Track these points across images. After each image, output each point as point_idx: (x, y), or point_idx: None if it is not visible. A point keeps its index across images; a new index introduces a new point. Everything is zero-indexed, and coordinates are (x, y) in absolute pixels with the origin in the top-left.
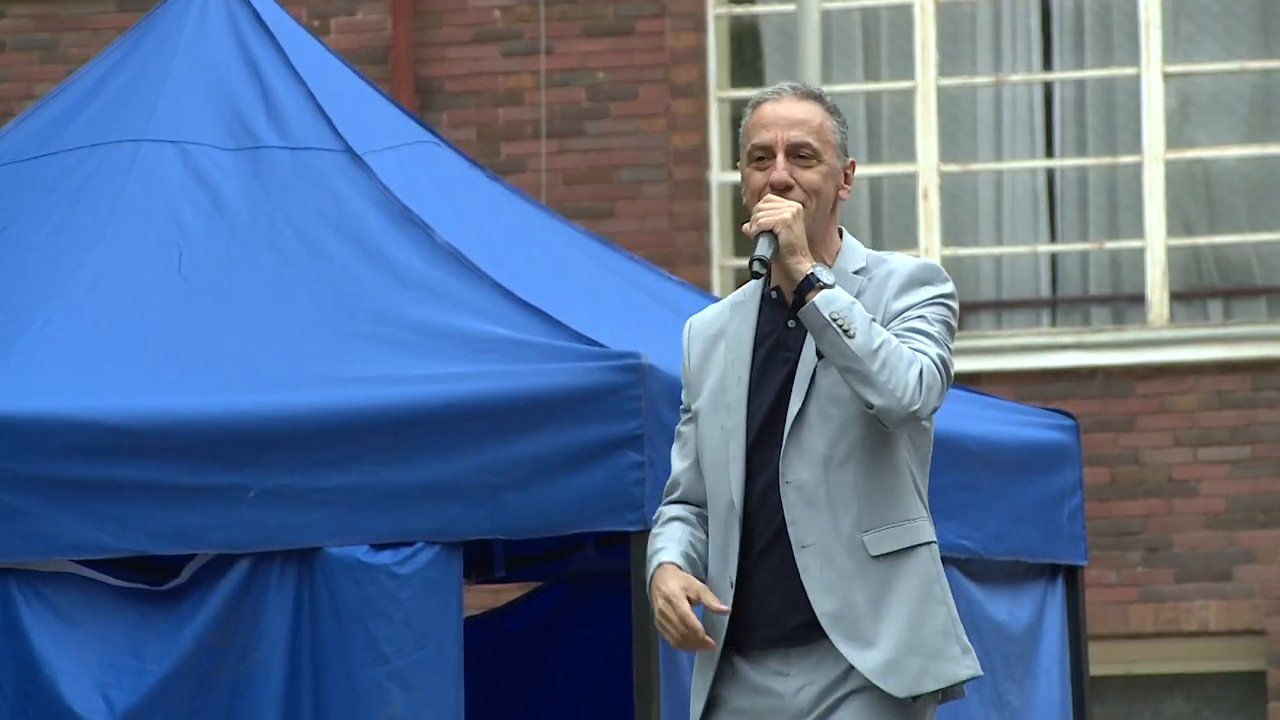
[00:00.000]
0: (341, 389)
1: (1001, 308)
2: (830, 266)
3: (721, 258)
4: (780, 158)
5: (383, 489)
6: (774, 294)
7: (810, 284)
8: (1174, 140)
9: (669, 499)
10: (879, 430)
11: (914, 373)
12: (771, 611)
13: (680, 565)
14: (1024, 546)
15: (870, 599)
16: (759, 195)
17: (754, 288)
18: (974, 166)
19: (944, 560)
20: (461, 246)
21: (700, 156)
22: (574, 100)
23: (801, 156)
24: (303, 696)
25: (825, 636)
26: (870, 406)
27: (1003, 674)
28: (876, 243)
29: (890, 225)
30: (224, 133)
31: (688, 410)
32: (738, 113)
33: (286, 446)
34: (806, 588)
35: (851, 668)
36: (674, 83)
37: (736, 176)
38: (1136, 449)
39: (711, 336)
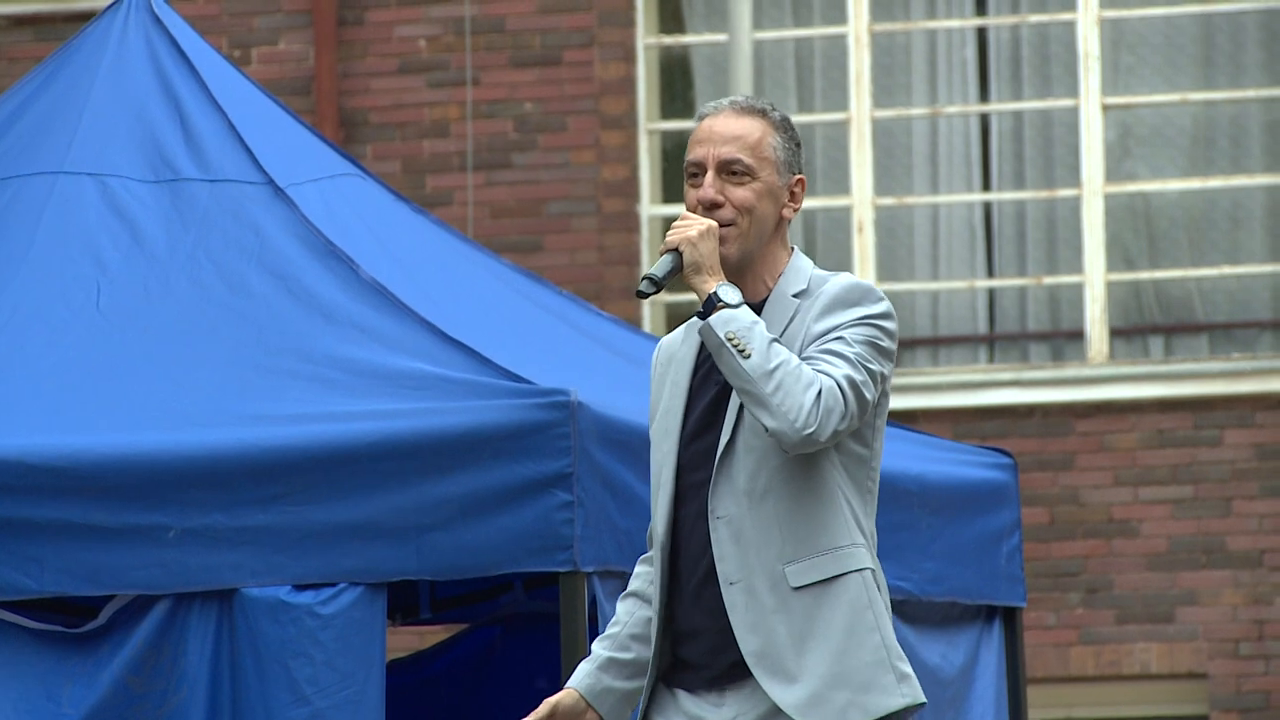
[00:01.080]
0: (264, 427)
1: (938, 344)
2: (770, 288)
3: None
4: (710, 174)
5: (305, 529)
6: None
7: (711, 303)
8: (1114, 173)
9: (648, 537)
10: (800, 458)
11: (810, 395)
12: (706, 652)
13: (582, 693)
14: (961, 588)
15: (793, 633)
16: (691, 210)
17: None
18: (909, 200)
19: None
20: (387, 281)
21: (630, 189)
22: (501, 132)
23: (734, 173)
24: None
25: None
26: (766, 430)
27: (933, 719)
28: None
29: (824, 259)
30: (143, 165)
31: None
32: (669, 144)
33: (207, 485)
34: (733, 626)
35: None
36: (603, 114)
37: (668, 209)
38: (1076, 488)
39: (668, 359)
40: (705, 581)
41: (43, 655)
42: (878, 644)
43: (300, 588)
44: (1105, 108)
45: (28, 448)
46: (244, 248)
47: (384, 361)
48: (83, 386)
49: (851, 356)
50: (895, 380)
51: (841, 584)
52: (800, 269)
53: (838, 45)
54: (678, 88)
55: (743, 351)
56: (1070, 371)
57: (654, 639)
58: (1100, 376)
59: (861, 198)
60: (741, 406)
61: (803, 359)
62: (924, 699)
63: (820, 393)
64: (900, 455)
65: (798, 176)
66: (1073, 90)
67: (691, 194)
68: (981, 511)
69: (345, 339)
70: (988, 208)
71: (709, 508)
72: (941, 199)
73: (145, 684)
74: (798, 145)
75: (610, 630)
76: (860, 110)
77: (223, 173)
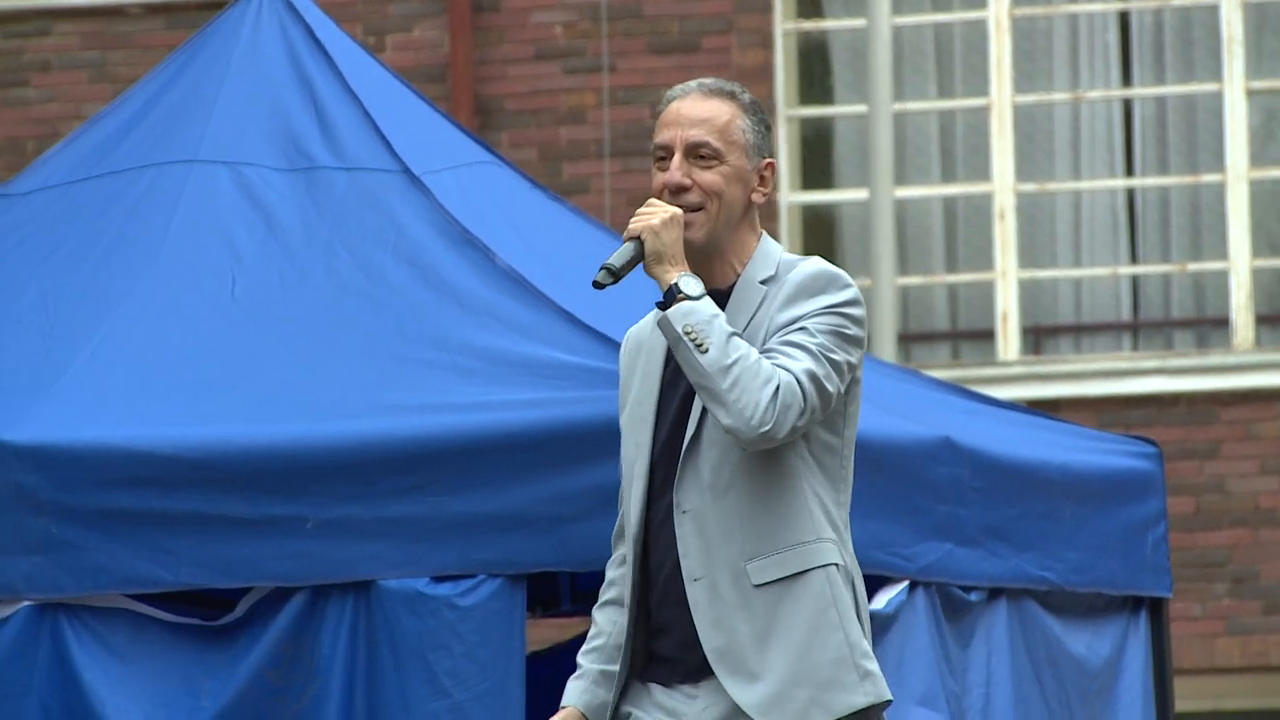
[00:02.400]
0: (401, 417)
1: (1081, 331)
2: (739, 274)
3: None
4: (677, 157)
5: (444, 520)
6: None
7: (671, 294)
8: (1258, 158)
9: (614, 538)
10: (764, 451)
11: (767, 391)
12: (678, 645)
13: (582, 711)
14: (1106, 578)
15: (755, 631)
16: (659, 198)
17: None
18: (1051, 186)
19: (1022, 592)
20: (523, 269)
21: None
22: (638, 118)
23: (701, 157)
24: None
25: None
26: (722, 426)
27: (1080, 710)
28: (951, 264)
29: (965, 247)
30: (278, 153)
31: None
32: (807, 132)
33: (345, 476)
34: (696, 623)
35: None
36: None
37: (806, 197)
38: (1222, 477)
39: (637, 347)
40: (674, 576)
41: (180, 648)
42: (840, 641)
43: (439, 579)
44: (1249, 92)
45: (163, 439)
46: (380, 236)
47: (521, 350)
48: (218, 377)
49: (813, 348)
50: (1038, 368)
51: (804, 580)
52: (769, 254)
53: (978, 30)
54: (816, 74)
55: (700, 346)
56: (1215, 359)
57: (626, 633)
58: (1246, 364)
59: (1003, 184)
60: None
61: (763, 351)
62: (889, 696)
63: (778, 389)
64: (1044, 445)
65: (767, 160)
66: (1216, 74)
67: (658, 178)
68: (1126, 501)
69: (482, 328)
70: (1130, 194)
71: (674, 501)
72: (1084, 185)
73: (283, 677)
74: (767, 128)
75: (595, 643)
76: (1001, 96)
77: (358, 161)
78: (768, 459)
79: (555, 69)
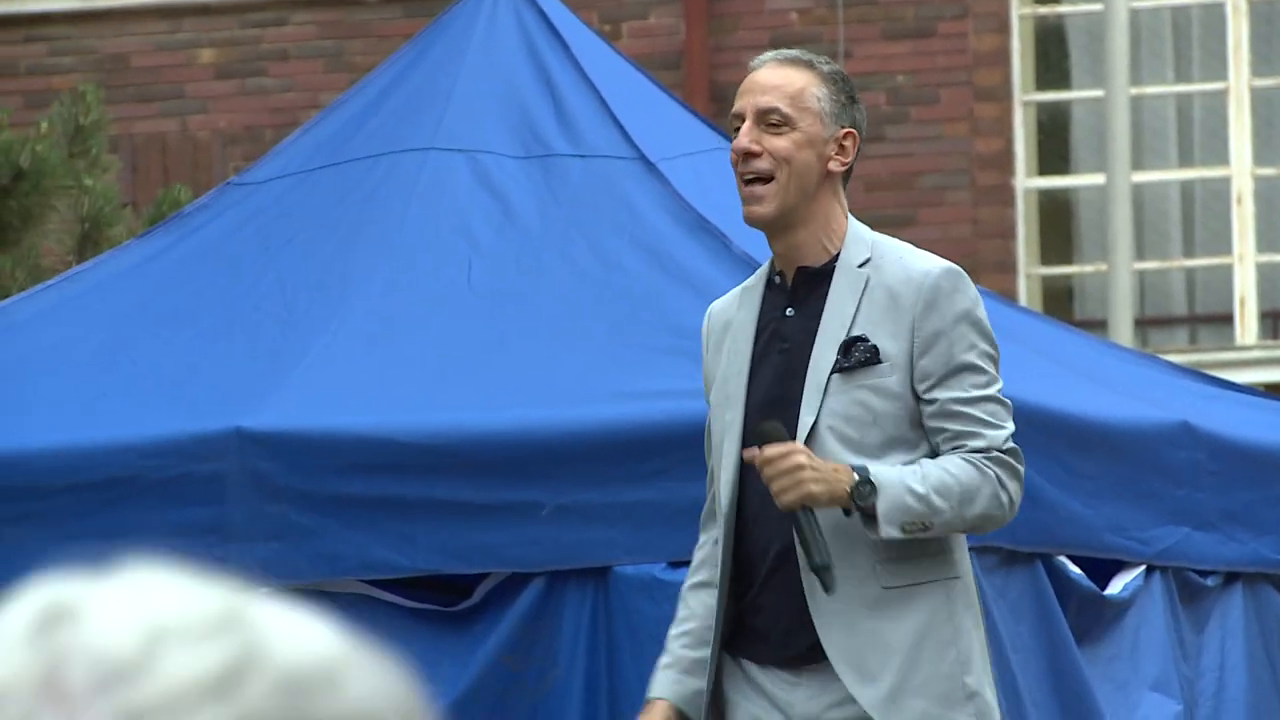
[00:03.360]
0: (638, 403)
1: None
2: (831, 253)
3: (1028, 266)
4: (748, 123)
5: (680, 506)
6: (777, 279)
7: (859, 504)
8: None
9: (703, 519)
10: (906, 457)
11: (1001, 499)
12: (781, 631)
13: (675, 704)
14: None
15: (876, 630)
16: (734, 163)
17: (764, 271)
18: None
19: (1259, 577)
20: (759, 256)
21: (1005, 162)
22: (874, 104)
23: (771, 124)
24: None
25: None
26: None
27: None
28: (1188, 249)
29: (1203, 231)
30: (514, 140)
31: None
32: (1044, 116)
33: (581, 462)
34: (813, 613)
35: None
36: (977, 86)
37: (1044, 182)
38: None
39: (724, 324)
40: (781, 561)
41: (418, 634)
42: (954, 658)
43: (675, 565)
44: None
45: (400, 425)
46: (616, 223)
47: None
48: (454, 364)
49: (992, 393)
50: (1277, 352)
51: (928, 590)
52: (860, 237)
53: (1215, 13)
54: (1053, 58)
55: (928, 529)
56: None
57: (716, 615)
58: None
59: (1240, 168)
60: (826, 388)
61: (960, 434)
62: (995, 718)
63: (997, 483)
64: (1277, 428)
65: (846, 129)
66: None
67: (734, 145)
68: None
69: None
70: None
71: None
72: None
73: (521, 662)
74: (851, 99)
75: (685, 626)
76: (1239, 79)
77: (594, 148)
78: (902, 458)
79: None
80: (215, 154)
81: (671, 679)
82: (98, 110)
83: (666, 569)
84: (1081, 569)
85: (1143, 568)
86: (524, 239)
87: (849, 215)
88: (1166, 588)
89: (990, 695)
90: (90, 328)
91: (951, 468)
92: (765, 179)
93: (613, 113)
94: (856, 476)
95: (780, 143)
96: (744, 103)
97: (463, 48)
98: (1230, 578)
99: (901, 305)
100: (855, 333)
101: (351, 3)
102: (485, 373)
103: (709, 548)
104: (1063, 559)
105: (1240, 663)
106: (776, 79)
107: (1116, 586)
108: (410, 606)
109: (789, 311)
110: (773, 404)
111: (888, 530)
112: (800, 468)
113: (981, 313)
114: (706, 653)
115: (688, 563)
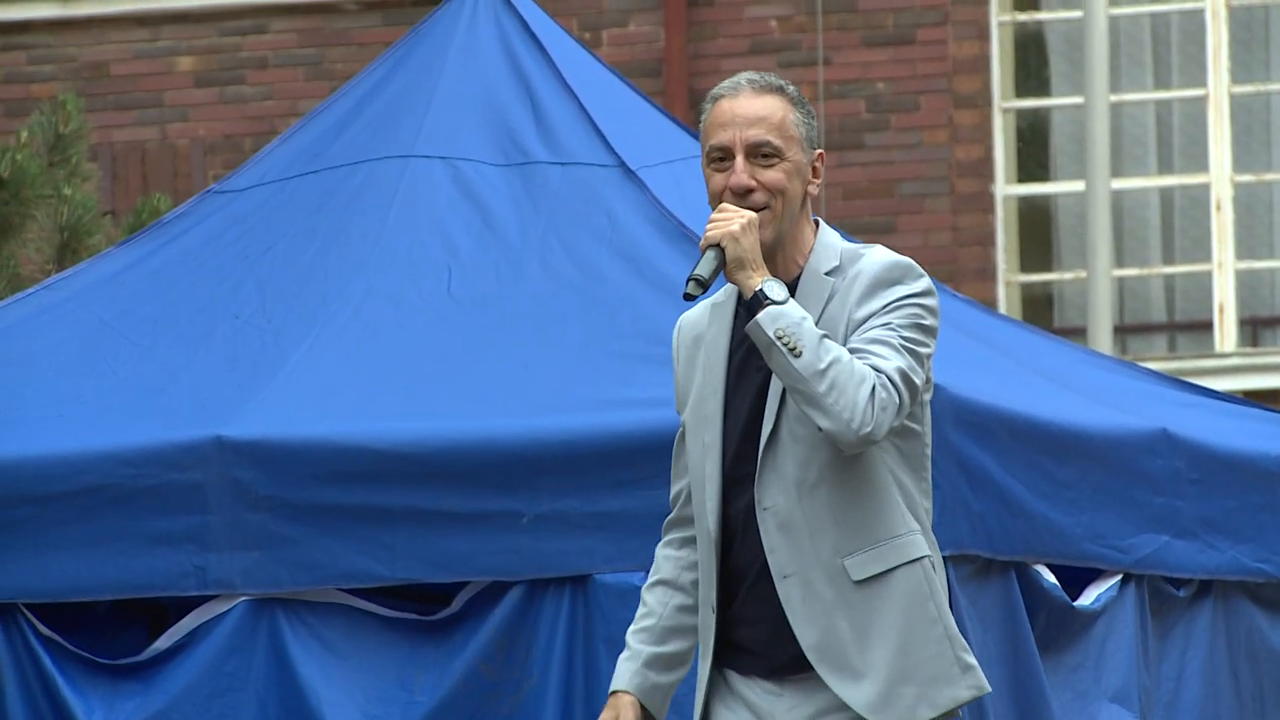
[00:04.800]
0: (617, 411)
1: None
2: (801, 266)
3: (1008, 273)
4: (739, 159)
5: (660, 514)
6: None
7: (758, 300)
8: None
9: (666, 525)
10: (867, 456)
11: (864, 392)
12: (762, 642)
13: (633, 694)
14: None
15: (855, 627)
16: (719, 199)
17: (734, 288)
18: (1269, 177)
19: (1234, 585)
20: None
21: (985, 169)
22: (853, 112)
23: (763, 156)
24: None
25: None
26: (820, 429)
27: (1273, 705)
28: (1167, 256)
29: (1182, 238)
30: (493, 148)
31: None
32: (1023, 123)
33: (560, 471)
34: (790, 620)
35: None
36: (957, 93)
37: (1022, 189)
38: None
39: (695, 338)
40: (761, 575)
41: (396, 643)
42: (940, 635)
43: None
44: None
45: (379, 434)
46: (595, 231)
47: None
48: (434, 372)
49: (898, 344)
50: (1256, 359)
51: (901, 574)
52: (829, 245)
53: (1195, 20)
54: (1032, 65)
55: (794, 350)
56: None
57: (706, 626)
58: None
59: (1220, 175)
60: (784, 394)
61: (850, 350)
62: (988, 688)
63: (874, 389)
64: (1261, 436)
65: (818, 151)
66: None
67: (718, 179)
68: None
69: None
70: None
71: (756, 499)
72: None
73: (499, 671)
74: (814, 119)
75: (644, 622)
76: (1218, 86)
77: (574, 155)
78: (856, 454)
79: (770, 63)
80: (195, 162)
81: (632, 671)
82: (77, 119)
83: (646, 577)
84: (1058, 577)
85: (1117, 579)
86: (503, 247)
87: (821, 223)
88: (1139, 599)
89: (978, 667)
90: (69, 336)
91: (846, 352)
92: (760, 209)
93: (592, 120)
94: (782, 284)
95: (773, 175)
96: (729, 135)
97: (442, 55)
98: (1203, 589)
99: (850, 298)
100: None
101: (331, 10)
102: (465, 381)
103: (670, 549)
104: (1039, 568)
105: (1197, 673)
106: (759, 109)
107: (1089, 597)
108: (389, 615)
109: None
110: (750, 422)
111: (763, 325)
112: (736, 219)
113: (929, 301)
114: (665, 649)
115: None
